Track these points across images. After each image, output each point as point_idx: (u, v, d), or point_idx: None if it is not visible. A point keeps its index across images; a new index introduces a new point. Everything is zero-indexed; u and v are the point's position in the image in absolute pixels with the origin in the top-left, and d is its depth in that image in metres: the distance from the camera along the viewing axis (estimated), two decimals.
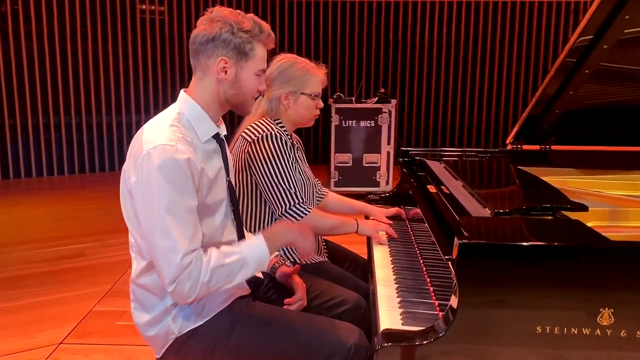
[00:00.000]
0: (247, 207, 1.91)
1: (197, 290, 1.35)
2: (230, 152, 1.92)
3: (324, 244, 2.14)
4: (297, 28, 7.52)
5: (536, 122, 2.23)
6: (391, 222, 2.05)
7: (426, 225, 1.58)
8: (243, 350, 1.49)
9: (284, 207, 1.82)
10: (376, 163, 5.52)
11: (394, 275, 1.62)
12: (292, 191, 1.83)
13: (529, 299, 1.12)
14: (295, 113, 1.96)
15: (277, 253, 1.77)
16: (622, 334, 1.10)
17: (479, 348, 1.13)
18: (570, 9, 7.27)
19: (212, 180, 1.47)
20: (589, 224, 1.55)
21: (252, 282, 1.59)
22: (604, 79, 1.94)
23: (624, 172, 2.03)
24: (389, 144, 5.47)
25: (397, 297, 1.46)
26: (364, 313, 1.73)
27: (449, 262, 1.19)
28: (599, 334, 1.10)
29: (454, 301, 1.14)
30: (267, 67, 1.59)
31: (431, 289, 1.48)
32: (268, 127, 1.87)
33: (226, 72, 1.45)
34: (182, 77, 6.97)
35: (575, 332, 1.11)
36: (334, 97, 5.54)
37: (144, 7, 6.77)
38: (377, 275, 1.63)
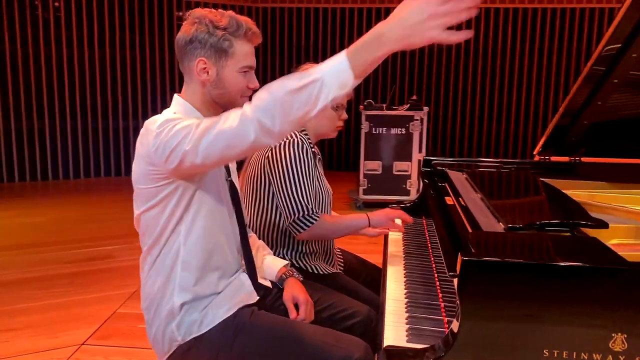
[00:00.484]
0: (259, 212, 1.90)
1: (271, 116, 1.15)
2: (252, 157, 1.91)
3: (339, 255, 2.10)
4: (322, 35, 7.52)
5: (564, 133, 2.14)
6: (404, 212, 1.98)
7: None
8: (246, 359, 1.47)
9: (294, 216, 1.80)
10: (407, 171, 5.45)
11: (405, 289, 1.57)
12: (305, 202, 1.81)
13: (536, 321, 1.05)
14: (318, 124, 1.94)
15: (286, 262, 1.74)
16: None
17: None
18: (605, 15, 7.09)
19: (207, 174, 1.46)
20: (613, 242, 1.47)
21: (260, 290, 1.57)
22: (634, 89, 1.85)
23: None
24: (420, 151, 5.39)
25: (406, 312, 1.41)
26: (375, 326, 1.68)
27: (453, 279, 1.14)
28: None
29: (455, 323, 1.09)
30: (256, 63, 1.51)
31: (442, 304, 1.43)
32: (292, 134, 1.87)
33: (207, 72, 1.43)
34: None
35: (586, 357, 1.04)
36: (365, 103, 5.49)
37: (180, 13, 6.89)
38: (388, 288, 1.58)
